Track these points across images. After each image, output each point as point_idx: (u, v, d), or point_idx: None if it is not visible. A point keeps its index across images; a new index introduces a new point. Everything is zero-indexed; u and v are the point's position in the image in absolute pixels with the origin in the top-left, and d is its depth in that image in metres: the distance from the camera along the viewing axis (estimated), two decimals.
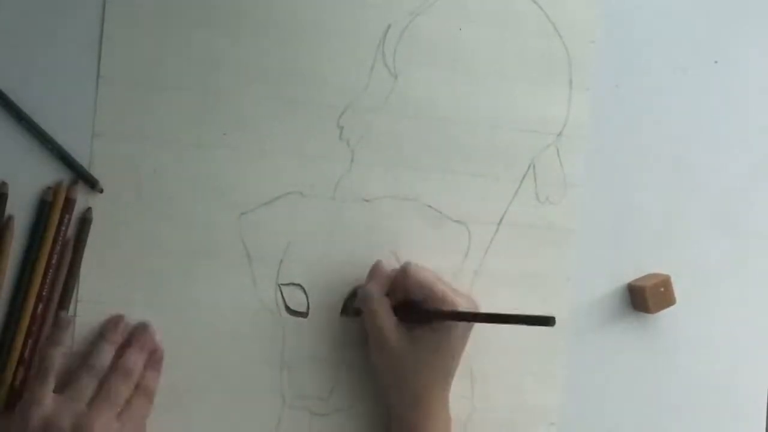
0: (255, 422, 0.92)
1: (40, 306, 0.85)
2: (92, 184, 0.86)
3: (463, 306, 0.89)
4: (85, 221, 0.86)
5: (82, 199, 0.86)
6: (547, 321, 0.81)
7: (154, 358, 0.88)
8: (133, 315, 0.88)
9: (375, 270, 0.92)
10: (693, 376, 1.07)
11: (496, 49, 0.98)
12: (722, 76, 1.08)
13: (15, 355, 0.84)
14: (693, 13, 1.07)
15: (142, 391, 0.86)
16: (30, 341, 0.84)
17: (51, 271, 0.85)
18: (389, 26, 0.94)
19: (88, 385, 0.83)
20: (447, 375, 0.92)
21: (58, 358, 0.83)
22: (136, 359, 0.86)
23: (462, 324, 0.90)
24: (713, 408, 1.08)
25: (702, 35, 1.07)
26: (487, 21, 0.98)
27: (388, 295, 0.91)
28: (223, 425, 0.91)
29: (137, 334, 0.88)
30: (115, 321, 0.87)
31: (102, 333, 0.87)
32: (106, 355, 0.85)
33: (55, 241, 0.85)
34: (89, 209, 0.86)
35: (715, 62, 1.07)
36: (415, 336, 0.89)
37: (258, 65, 0.91)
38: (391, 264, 0.94)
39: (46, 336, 0.85)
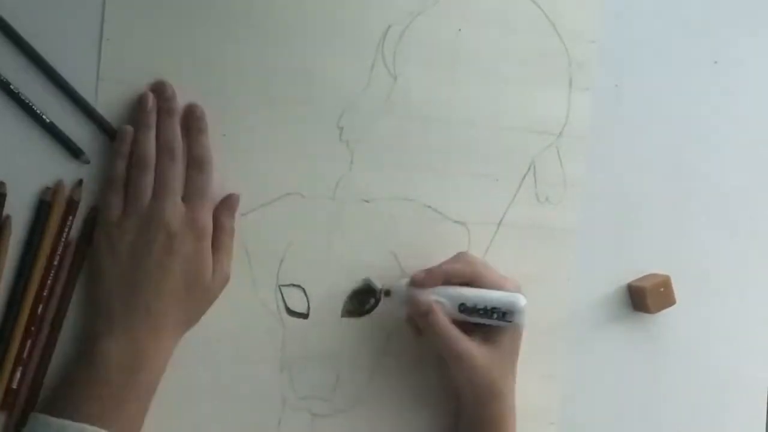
0: (256, 423, 0.92)
1: (40, 307, 0.84)
2: (76, 154, 0.86)
3: (508, 288, 0.92)
4: (92, 222, 0.86)
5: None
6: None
7: (193, 118, 0.88)
8: None
9: (418, 279, 0.92)
10: (693, 376, 1.07)
11: (496, 50, 0.98)
12: (722, 76, 1.08)
13: (12, 355, 0.84)
14: (693, 13, 1.06)
15: (194, 163, 0.87)
16: (29, 342, 0.84)
17: (52, 272, 0.85)
18: (389, 27, 0.94)
19: (142, 180, 0.85)
20: (513, 365, 0.93)
21: (122, 168, 0.86)
22: (170, 128, 0.86)
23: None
24: (713, 408, 1.08)
25: (702, 35, 1.07)
26: (486, 21, 0.98)
27: None
28: (223, 426, 0.91)
29: (162, 103, 0.87)
30: (141, 103, 0.87)
31: (136, 120, 0.86)
32: (147, 142, 0.86)
33: (57, 242, 0.85)
34: (93, 208, 0.87)
35: (715, 62, 1.07)
36: (478, 338, 0.91)
37: (258, 66, 0.91)
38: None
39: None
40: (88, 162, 0.86)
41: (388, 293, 0.93)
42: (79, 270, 0.86)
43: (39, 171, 0.85)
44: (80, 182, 0.86)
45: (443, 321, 0.89)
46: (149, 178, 0.85)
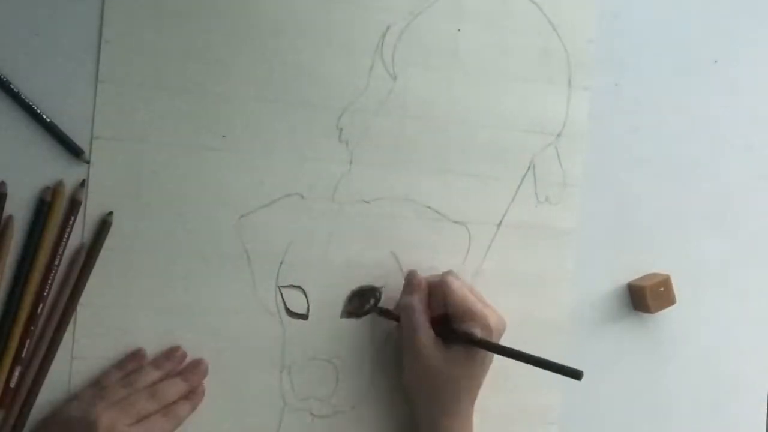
0: (256, 424, 0.92)
1: (41, 306, 0.84)
2: (77, 153, 0.86)
3: (492, 321, 0.90)
4: (104, 224, 0.87)
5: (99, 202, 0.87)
6: (575, 374, 0.82)
7: (195, 392, 0.89)
8: (133, 317, 0.88)
9: (413, 280, 0.93)
10: (693, 375, 1.07)
11: (495, 50, 0.98)
12: (722, 76, 1.08)
13: (10, 354, 0.84)
14: (693, 13, 1.07)
15: (168, 412, 0.86)
16: (29, 341, 0.84)
17: (54, 271, 0.85)
18: (388, 27, 0.94)
19: (116, 392, 0.85)
20: (474, 390, 0.93)
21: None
22: (171, 386, 0.87)
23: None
24: (713, 407, 1.08)
25: (702, 35, 1.07)
26: (485, 21, 0.98)
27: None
28: (224, 427, 0.91)
29: (188, 366, 0.89)
30: (171, 350, 0.89)
31: (155, 359, 0.88)
32: (148, 377, 0.87)
33: (58, 242, 0.85)
34: (110, 213, 0.87)
35: (715, 62, 1.07)
36: (450, 353, 0.90)
37: (257, 67, 0.91)
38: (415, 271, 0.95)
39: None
40: (88, 162, 0.86)
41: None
42: (89, 274, 0.86)
43: (39, 171, 0.85)
44: (83, 183, 0.86)
45: (421, 326, 0.90)
46: (123, 393, 0.85)
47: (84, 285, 0.86)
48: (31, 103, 0.84)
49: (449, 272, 0.93)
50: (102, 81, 0.86)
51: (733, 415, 1.09)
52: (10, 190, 0.84)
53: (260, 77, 0.91)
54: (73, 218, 0.85)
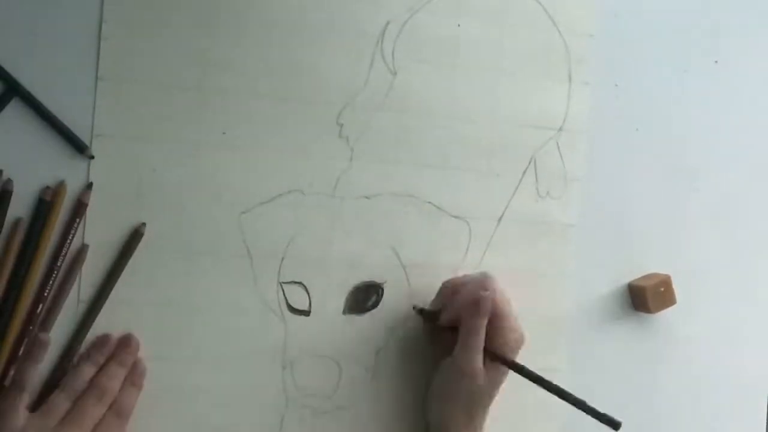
0: (258, 421, 0.92)
1: (41, 306, 0.84)
2: (81, 149, 0.86)
3: (520, 334, 0.91)
4: (136, 234, 0.87)
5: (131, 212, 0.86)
6: (614, 425, 0.81)
7: (135, 373, 0.88)
8: (134, 315, 0.88)
9: (486, 305, 0.89)
10: (693, 375, 1.07)
11: (495, 45, 0.98)
12: (722, 76, 1.08)
13: (5, 354, 0.84)
14: (693, 13, 1.07)
15: (115, 411, 0.86)
16: (26, 340, 0.84)
17: (56, 272, 0.85)
18: (388, 23, 0.94)
19: (60, 404, 0.84)
20: (489, 405, 0.92)
21: (34, 375, 0.84)
22: (111, 376, 0.86)
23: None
24: (713, 407, 1.08)
25: (702, 35, 1.07)
26: (485, 16, 0.98)
27: None
28: (225, 424, 0.91)
29: (119, 348, 0.88)
30: (100, 341, 0.87)
31: (86, 352, 0.87)
32: (84, 375, 0.85)
33: (62, 243, 0.85)
34: (143, 224, 0.88)
35: (715, 62, 1.07)
36: (490, 372, 0.89)
37: (257, 63, 0.91)
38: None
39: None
40: (92, 157, 0.86)
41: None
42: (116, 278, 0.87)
43: (42, 167, 0.85)
44: (90, 185, 0.86)
45: (480, 349, 0.89)
46: (68, 403, 0.84)
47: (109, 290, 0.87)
48: (35, 98, 0.84)
49: (505, 297, 0.91)
50: (102, 79, 0.87)
51: (733, 415, 1.09)
52: (20, 190, 0.84)
53: (260, 74, 0.91)
54: (78, 220, 0.85)
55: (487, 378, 0.89)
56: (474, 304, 0.89)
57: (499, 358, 0.89)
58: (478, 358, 0.89)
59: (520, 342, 0.91)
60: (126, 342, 0.88)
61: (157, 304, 0.89)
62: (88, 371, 0.86)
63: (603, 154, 1.03)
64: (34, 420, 0.82)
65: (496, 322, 0.89)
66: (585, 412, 0.84)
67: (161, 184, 0.89)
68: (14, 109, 0.84)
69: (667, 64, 1.06)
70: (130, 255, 0.87)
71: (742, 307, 1.09)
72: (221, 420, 0.91)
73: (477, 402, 0.91)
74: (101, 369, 0.86)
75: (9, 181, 0.84)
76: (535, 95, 1.00)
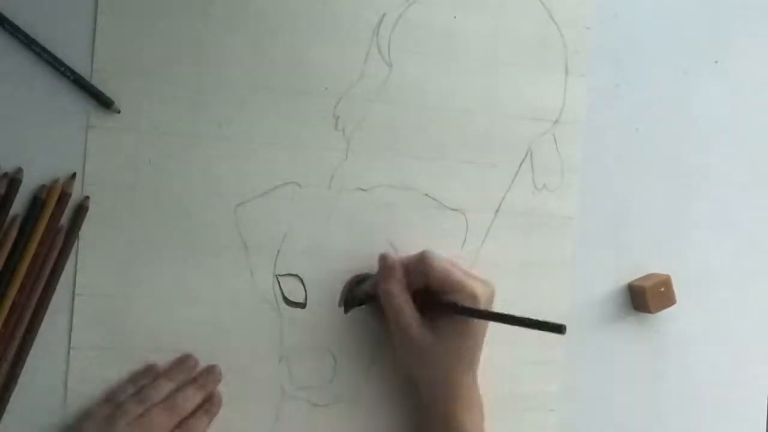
0: (254, 413, 0.92)
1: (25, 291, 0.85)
2: (107, 105, 0.86)
3: (479, 290, 0.89)
4: (81, 209, 0.86)
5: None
6: (558, 328, 0.82)
7: (212, 402, 0.89)
8: (130, 307, 0.88)
9: (386, 264, 0.91)
10: (693, 375, 1.07)
11: (491, 37, 0.98)
12: (722, 76, 1.08)
13: None
14: (693, 13, 1.07)
15: (187, 428, 0.86)
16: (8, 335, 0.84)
17: (39, 262, 0.85)
18: (384, 15, 0.95)
19: (132, 410, 0.84)
20: (473, 362, 0.91)
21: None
22: (187, 397, 0.87)
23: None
24: (713, 408, 1.08)
25: (702, 35, 1.07)
26: (481, 8, 0.98)
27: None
28: (222, 417, 0.90)
29: (202, 373, 0.89)
30: (183, 360, 0.89)
31: (167, 370, 0.88)
32: (161, 390, 0.86)
33: (45, 236, 0.85)
34: (86, 198, 0.86)
35: (715, 62, 1.07)
36: (438, 327, 0.89)
37: (253, 56, 0.91)
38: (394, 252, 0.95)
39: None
40: (118, 111, 0.87)
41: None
42: (67, 257, 0.86)
43: (71, 120, 0.86)
44: (74, 175, 0.86)
45: (405, 308, 0.89)
46: (140, 409, 0.85)
47: (61, 270, 0.86)
48: (57, 57, 0.85)
49: (426, 250, 0.91)
50: (97, 70, 0.87)
51: (733, 415, 1.08)
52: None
53: (256, 66, 0.91)
54: (60, 211, 0.86)
55: (434, 335, 0.88)
56: (380, 270, 0.91)
57: (434, 306, 0.89)
58: (406, 317, 0.88)
59: (475, 300, 0.88)
60: (210, 369, 0.89)
61: (152, 297, 0.88)
62: (166, 386, 0.87)
63: (603, 155, 1.03)
64: (106, 418, 0.84)
65: (439, 285, 0.89)
66: (531, 327, 0.84)
67: (157, 177, 0.88)
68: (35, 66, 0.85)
69: (667, 64, 1.06)
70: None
71: (742, 307, 1.09)
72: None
73: (436, 364, 0.90)
74: (179, 389, 0.87)
75: (19, 170, 0.84)
76: (531, 87, 1.00)
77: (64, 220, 0.86)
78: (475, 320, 0.89)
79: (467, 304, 0.88)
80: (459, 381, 0.90)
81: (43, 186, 0.85)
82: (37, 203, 0.84)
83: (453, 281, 0.88)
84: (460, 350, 0.90)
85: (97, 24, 0.86)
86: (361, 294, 0.94)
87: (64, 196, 0.85)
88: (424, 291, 0.90)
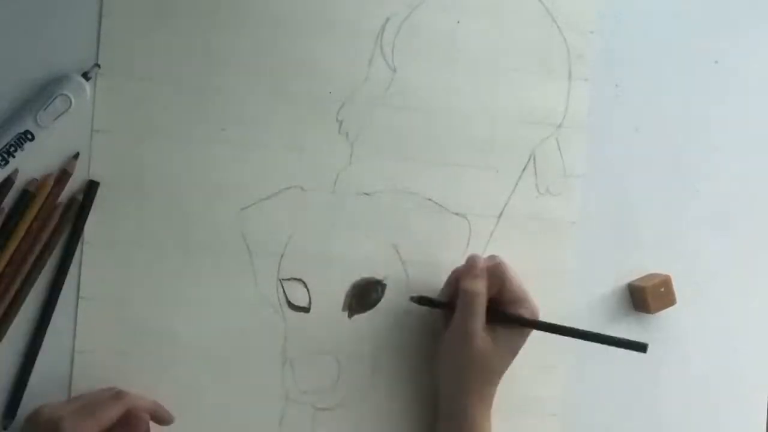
0: (258, 418, 0.92)
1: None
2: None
3: (537, 305, 0.92)
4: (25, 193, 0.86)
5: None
6: (640, 347, 0.84)
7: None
8: (134, 311, 0.88)
9: (476, 264, 0.92)
10: (693, 375, 1.06)
11: (495, 41, 0.98)
12: (722, 76, 1.08)
13: None
14: (693, 13, 1.06)
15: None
16: None
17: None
18: (387, 19, 0.95)
19: (79, 398, 0.85)
20: (505, 371, 0.93)
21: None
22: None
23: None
24: (713, 408, 1.07)
25: (702, 35, 1.07)
26: (485, 13, 0.98)
27: None
28: (226, 421, 0.91)
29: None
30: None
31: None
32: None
33: (32, 227, 0.85)
34: (33, 180, 0.86)
35: (716, 62, 1.07)
36: (496, 337, 0.90)
37: (257, 59, 0.91)
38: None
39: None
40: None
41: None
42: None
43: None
44: (77, 155, 0.86)
45: (480, 312, 0.90)
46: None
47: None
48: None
49: (497, 257, 0.93)
50: (101, 75, 0.87)
51: (733, 415, 1.08)
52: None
53: (260, 70, 0.91)
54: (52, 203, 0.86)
55: (492, 343, 0.90)
56: (470, 268, 0.91)
57: (502, 316, 0.91)
58: (475, 320, 0.89)
59: (536, 314, 0.92)
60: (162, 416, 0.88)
61: (156, 301, 0.89)
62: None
63: (603, 155, 1.03)
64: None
65: (512, 294, 0.91)
66: (610, 344, 0.87)
67: (161, 181, 0.89)
68: None
69: (667, 64, 1.06)
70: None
71: (742, 307, 1.08)
72: (221, 417, 0.91)
73: (481, 370, 0.91)
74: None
75: (16, 170, 0.85)
76: (534, 92, 1.00)
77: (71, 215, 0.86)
78: (522, 340, 0.92)
79: (528, 316, 0.91)
80: (494, 390, 0.92)
81: (34, 179, 0.86)
82: (25, 196, 0.85)
83: (523, 293, 0.92)
84: (509, 361, 0.92)
85: (102, 27, 0.87)
86: (370, 301, 0.95)
87: (64, 176, 0.86)
88: (492, 300, 0.92)
